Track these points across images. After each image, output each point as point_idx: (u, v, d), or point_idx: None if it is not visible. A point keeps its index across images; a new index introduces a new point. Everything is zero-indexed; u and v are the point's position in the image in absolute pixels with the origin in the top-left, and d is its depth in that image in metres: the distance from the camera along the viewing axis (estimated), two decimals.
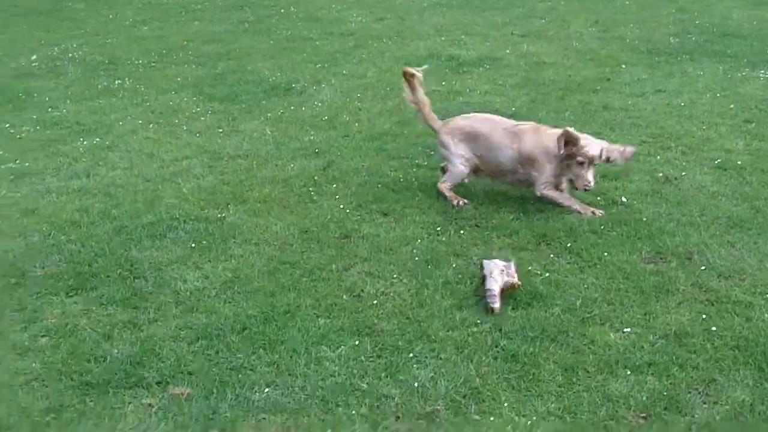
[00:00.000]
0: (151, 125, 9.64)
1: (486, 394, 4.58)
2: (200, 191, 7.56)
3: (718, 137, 8.32)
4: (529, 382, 4.67)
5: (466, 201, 6.97)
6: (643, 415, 4.37)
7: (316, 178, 7.76)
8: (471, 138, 7.05)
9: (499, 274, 5.43)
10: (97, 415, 4.56)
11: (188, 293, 5.76)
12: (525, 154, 6.79)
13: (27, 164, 8.49)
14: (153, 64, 12.68)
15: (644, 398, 4.48)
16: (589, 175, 6.60)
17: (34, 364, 5.07)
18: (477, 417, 4.41)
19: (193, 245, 6.45)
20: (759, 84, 10.15)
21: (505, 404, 4.49)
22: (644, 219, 6.47)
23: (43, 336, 5.37)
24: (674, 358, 4.82)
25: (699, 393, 4.54)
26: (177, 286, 5.86)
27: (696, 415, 4.36)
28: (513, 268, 5.53)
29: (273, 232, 6.66)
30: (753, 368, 4.71)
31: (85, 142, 9.08)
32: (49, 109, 10.48)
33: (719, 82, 10.28)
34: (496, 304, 5.31)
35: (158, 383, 4.80)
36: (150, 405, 4.62)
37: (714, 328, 5.09)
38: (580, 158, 6.55)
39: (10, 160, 8.61)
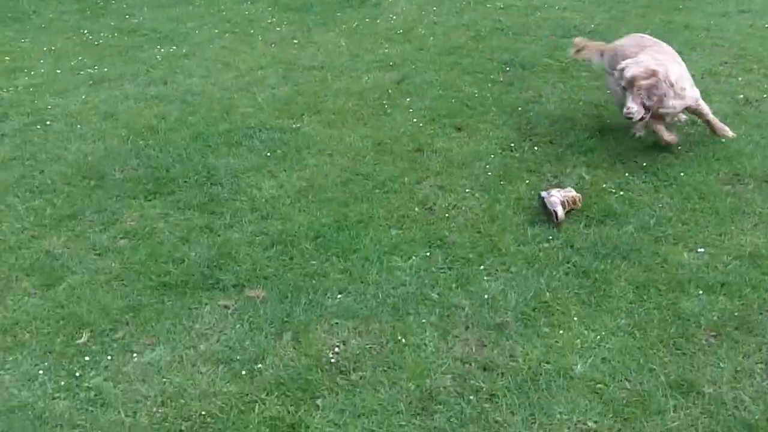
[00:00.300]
0: (226, 34, 9.69)
1: (556, 308, 4.61)
2: (275, 101, 7.62)
3: None
4: (599, 298, 4.68)
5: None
6: (714, 333, 4.36)
7: (390, 91, 7.74)
8: (614, 58, 6.48)
9: (557, 192, 5.40)
10: (175, 315, 4.70)
11: (263, 200, 5.85)
12: None
13: (105, 70, 8.62)
14: None
15: (715, 318, 4.47)
16: (629, 101, 5.84)
17: (113, 264, 5.23)
18: (546, 329, 4.46)
19: (268, 154, 6.53)
20: None
21: (575, 318, 4.52)
22: (722, 140, 6.35)
23: (122, 238, 5.52)
24: (747, 279, 4.78)
25: None
26: (252, 193, 5.95)
27: (767, 336, 4.34)
28: (570, 187, 5.50)
29: (347, 143, 6.70)
30: None
31: (162, 50, 9.17)
32: (127, 16, 10.59)
33: None
34: (559, 209, 5.30)
35: (234, 286, 4.92)
36: (226, 306, 4.75)
37: None
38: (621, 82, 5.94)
39: (89, 66, 8.74)
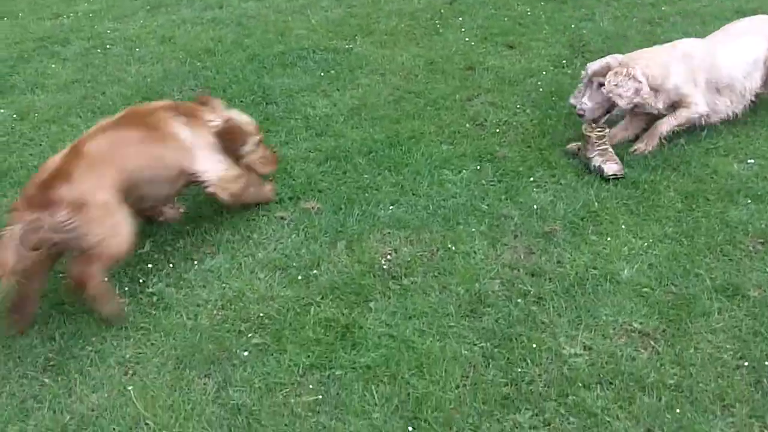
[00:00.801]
0: None
1: (604, 217, 4.68)
2: (328, 23, 7.69)
3: None
4: (647, 208, 4.74)
5: None
6: (761, 240, 4.41)
7: (442, 11, 7.76)
8: None
9: (595, 156, 5.14)
10: (233, 226, 4.85)
11: (317, 118, 5.96)
12: None
13: None
14: None
15: (763, 225, 4.51)
16: (585, 96, 5.35)
17: None
18: (594, 237, 4.53)
19: (321, 74, 6.62)
20: None
21: (623, 227, 4.59)
22: None
23: None
24: None
25: None
26: (306, 111, 6.06)
27: None
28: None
29: (399, 63, 6.77)
30: None
31: None
32: None
33: None
34: (612, 166, 5.05)
35: (290, 198, 5.06)
36: (282, 218, 4.89)
37: None
38: None
39: None
